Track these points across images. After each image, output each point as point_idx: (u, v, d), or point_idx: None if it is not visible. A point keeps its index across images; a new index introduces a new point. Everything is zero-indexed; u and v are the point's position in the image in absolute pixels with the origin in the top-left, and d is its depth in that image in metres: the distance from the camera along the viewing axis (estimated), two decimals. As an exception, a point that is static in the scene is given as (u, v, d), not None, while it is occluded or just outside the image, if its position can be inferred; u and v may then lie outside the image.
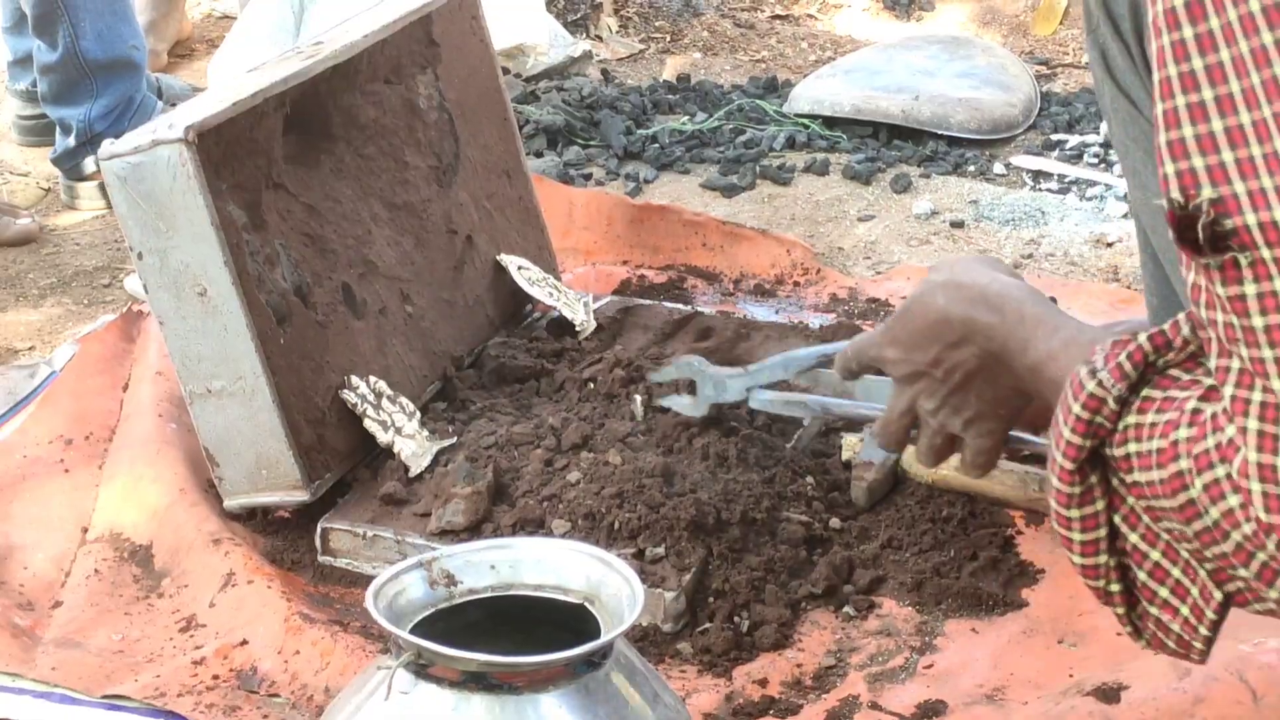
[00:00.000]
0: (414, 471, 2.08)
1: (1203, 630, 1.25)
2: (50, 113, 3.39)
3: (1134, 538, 1.26)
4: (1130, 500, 1.24)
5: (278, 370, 2.04)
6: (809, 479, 2.10)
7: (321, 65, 2.19)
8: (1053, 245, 3.10)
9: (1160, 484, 1.18)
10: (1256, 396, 1.08)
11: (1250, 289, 1.05)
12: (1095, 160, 3.51)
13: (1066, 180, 3.43)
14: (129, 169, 1.98)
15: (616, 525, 1.95)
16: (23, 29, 3.48)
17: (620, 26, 4.42)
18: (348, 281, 2.22)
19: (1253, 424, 1.08)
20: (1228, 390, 1.10)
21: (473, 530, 1.98)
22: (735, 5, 4.64)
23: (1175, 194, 1.07)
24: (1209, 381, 1.17)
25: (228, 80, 2.49)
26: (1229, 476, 1.11)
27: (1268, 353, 1.05)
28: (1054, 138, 3.66)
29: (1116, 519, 1.26)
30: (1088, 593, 1.92)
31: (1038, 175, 3.47)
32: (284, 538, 2.09)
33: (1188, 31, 1.04)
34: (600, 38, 4.34)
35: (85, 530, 2.14)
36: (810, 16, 4.63)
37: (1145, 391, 1.21)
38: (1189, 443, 1.14)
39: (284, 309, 2.08)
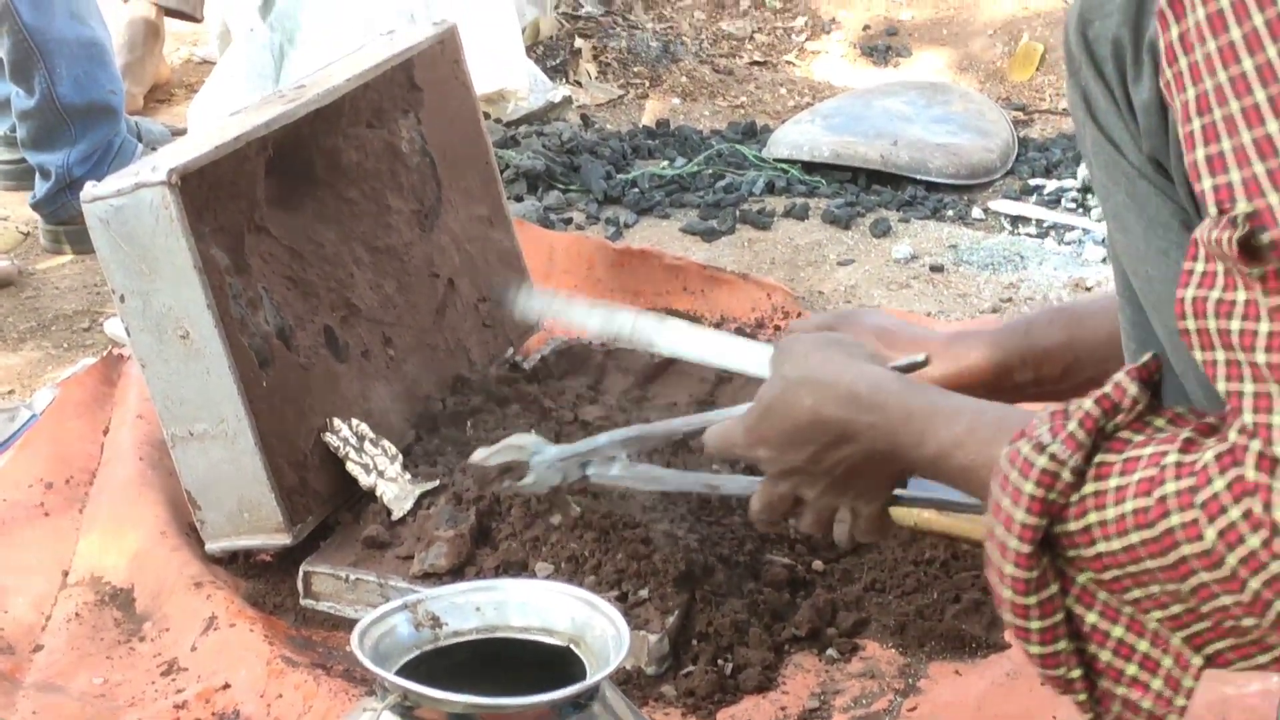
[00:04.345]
0: (396, 515, 2.07)
1: (1179, 701, 1.20)
2: (29, 158, 3.39)
3: (1092, 617, 1.22)
4: (1081, 578, 1.20)
5: (260, 413, 2.03)
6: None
7: (304, 109, 2.20)
8: (1032, 289, 3.11)
9: (1142, 545, 1.13)
10: (1278, 420, 1.05)
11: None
12: (1073, 205, 3.53)
13: (1045, 225, 3.44)
14: (111, 212, 1.98)
15: (600, 568, 1.95)
16: (1, 75, 3.48)
17: (599, 72, 4.44)
18: (330, 324, 2.22)
19: (1278, 449, 1.05)
20: (1246, 417, 1.07)
21: (455, 573, 1.97)
22: (714, 51, 4.66)
23: (1212, 208, 1.06)
24: (1185, 434, 1.15)
25: (210, 123, 2.50)
26: (1246, 516, 1.07)
27: None
28: (1032, 182, 3.68)
29: (1069, 601, 1.21)
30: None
31: (1016, 220, 3.49)
32: (266, 581, 2.09)
33: (1210, 46, 1.04)
34: (580, 83, 4.36)
35: (66, 574, 2.13)
36: (789, 63, 4.66)
37: (1099, 458, 1.17)
38: (1186, 494, 1.10)
39: (266, 352, 2.08)
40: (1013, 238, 3.38)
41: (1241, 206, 1.04)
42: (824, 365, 1.53)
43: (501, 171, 3.17)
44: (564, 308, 2.30)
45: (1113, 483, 1.15)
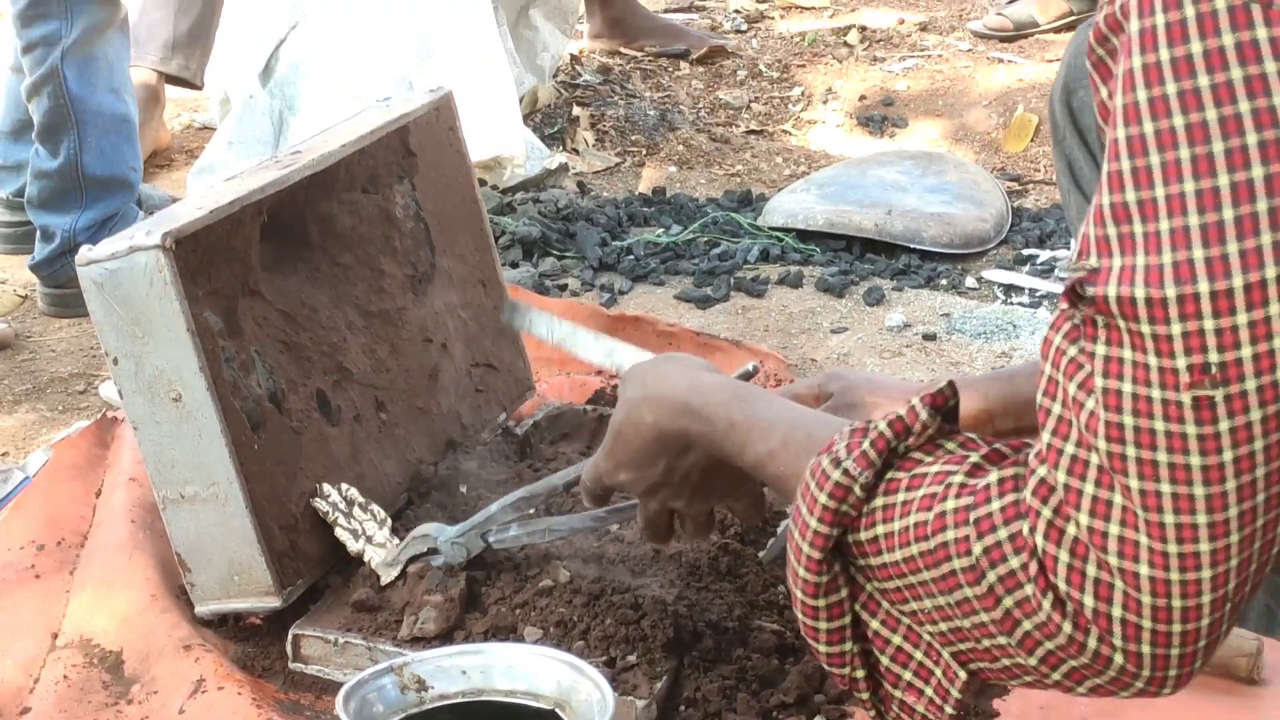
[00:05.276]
0: (384, 581, 2.07)
1: (948, 709, 1.29)
2: (34, 218, 3.41)
3: (875, 624, 1.29)
4: (869, 586, 1.28)
5: (251, 476, 2.04)
6: (781, 587, 2.10)
7: (299, 174, 2.21)
8: (1024, 358, 3.13)
9: (920, 557, 1.21)
10: (1069, 449, 1.12)
11: (1100, 349, 1.09)
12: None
13: (1038, 294, 3.46)
14: (106, 275, 1.99)
15: (588, 633, 1.95)
16: (20, 138, 3.51)
17: (596, 140, 4.46)
18: (322, 388, 2.23)
19: (1061, 476, 1.12)
20: (1045, 436, 1.14)
21: (444, 638, 1.97)
22: (711, 120, 4.70)
23: (1075, 248, 1.12)
24: (974, 458, 1.22)
25: (205, 188, 2.51)
26: (1013, 538, 1.14)
27: (1102, 413, 1.09)
28: (1025, 252, 3.70)
29: (856, 607, 1.30)
30: (1060, 702, 1.93)
31: (1009, 289, 3.50)
32: (255, 644, 2.09)
33: (1119, 101, 1.07)
34: (577, 151, 4.39)
35: (55, 636, 2.13)
36: (785, 132, 4.69)
37: (889, 474, 1.25)
38: (963, 511, 1.18)
39: (258, 415, 2.09)
40: (1006, 307, 3.40)
41: (1090, 261, 1.09)
42: (660, 381, 1.61)
43: (498, 238, 3.19)
44: (569, 334, 2.30)
45: (899, 497, 1.23)
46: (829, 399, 1.92)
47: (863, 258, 3.66)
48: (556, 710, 1.52)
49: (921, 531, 1.20)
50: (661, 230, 3.80)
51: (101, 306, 2.00)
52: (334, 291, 2.31)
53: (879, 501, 1.24)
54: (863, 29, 5.25)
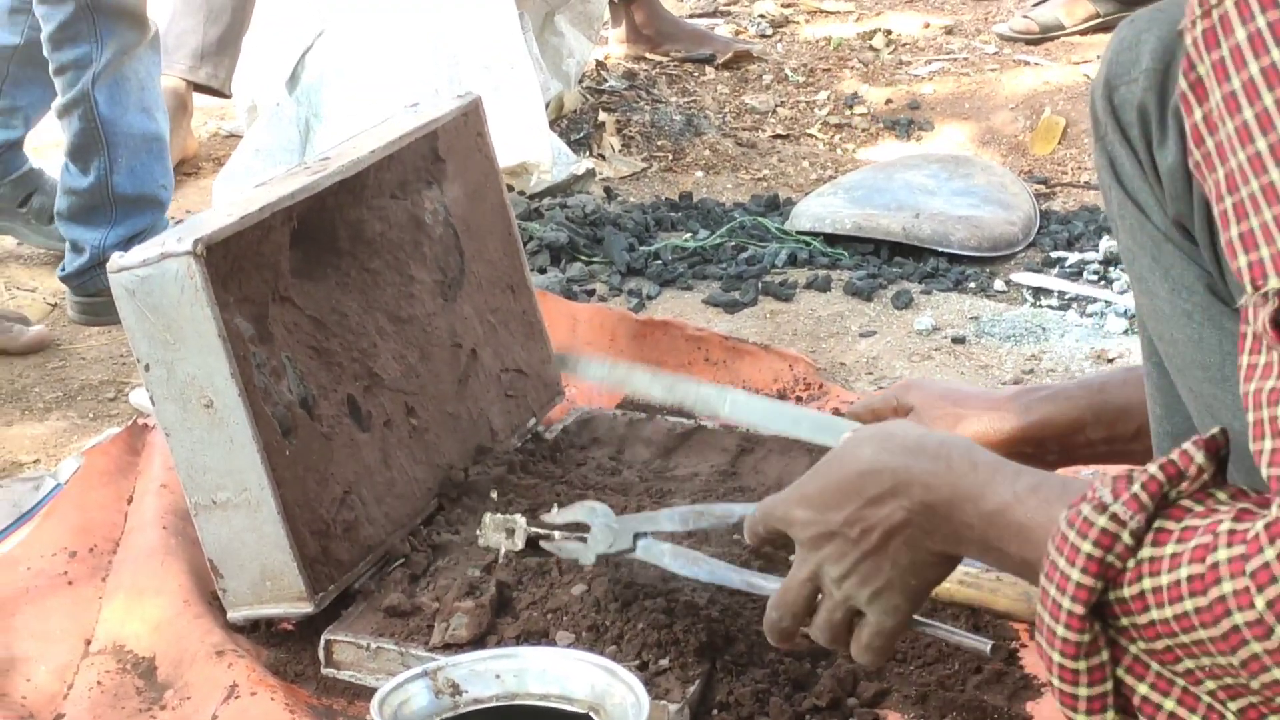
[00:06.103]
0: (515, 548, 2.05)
1: None
2: (64, 230, 3.43)
3: (1143, 689, 1.20)
4: (1134, 648, 1.19)
5: (283, 482, 2.04)
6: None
7: (328, 180, 2.22)
8: (1053, 361, 3.12)
9: (1195, 614, 1.12)
10: None
11: None
12: (1095, 277, 3.53)
13: (1066, 297, 3.45)
14: (137, 282, 2.00)
15: (621, 637, 1.95)
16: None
17: (623, 145, 4.46)
18: (353, 394, 2.23)
19: None
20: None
21: (476, 643, 1.97)
22: (737, 125, 4.69)
23: (1247, 285, 1.07)
24: (1241, 505, 1.14)
25: (235, 194, 2.52)
26: None
27: None
28: (1054, 255, 3.69)
29: (1120, 671, 1.20)
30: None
31: (1038, 292, 3.49)
32: (288, 650, 2.09)
33: (1229, 126, 1.05)
34: (603, 156, 4.39)
35: (88, 643, 2.13)
36: (811, 136, 4.68)
37: (1158, 523, 1.16)
38: (1238, 561, 1.09)
39: (289, 421, 2.09)
40: (1035, 310, 3.39)
41: (1273, 283, 1.05)
42: (895, 425, 1.53)
43: (525, 243, 3.19)
44: (625, 376, 2.33)
45: (1168, 549, 1.14)
46: (909, 412, 1.87)
47: (891, 261, 3.65)
48: (591, 714, 1.52)
49: (1196, 586, 1.11)
50: (689, 235, 3.79)
51: (133, 313, 2.01)
52: (364, 297, 2.31)
53: (1146, 553, 1.15)
54: (888, 33, 5.24)
